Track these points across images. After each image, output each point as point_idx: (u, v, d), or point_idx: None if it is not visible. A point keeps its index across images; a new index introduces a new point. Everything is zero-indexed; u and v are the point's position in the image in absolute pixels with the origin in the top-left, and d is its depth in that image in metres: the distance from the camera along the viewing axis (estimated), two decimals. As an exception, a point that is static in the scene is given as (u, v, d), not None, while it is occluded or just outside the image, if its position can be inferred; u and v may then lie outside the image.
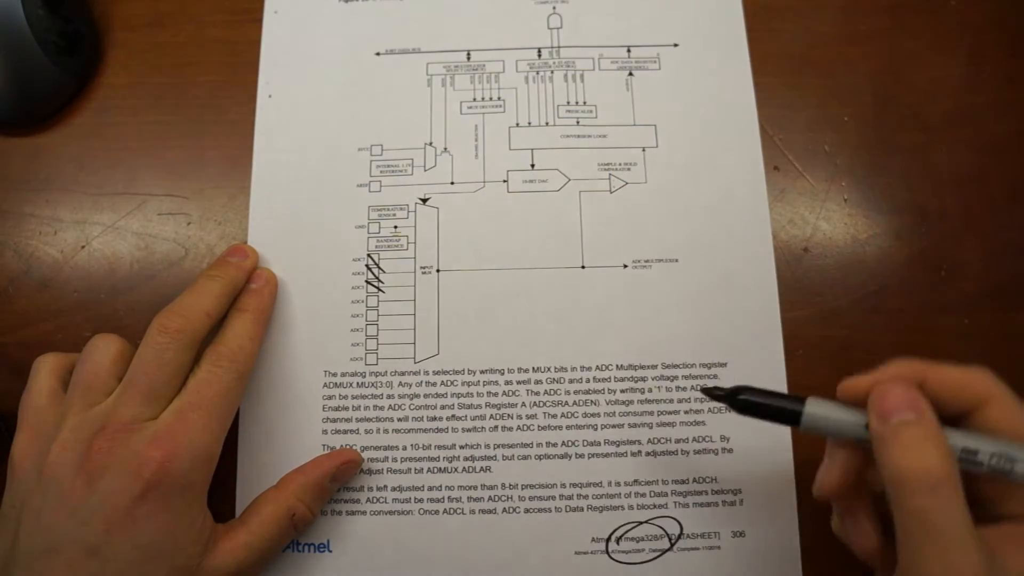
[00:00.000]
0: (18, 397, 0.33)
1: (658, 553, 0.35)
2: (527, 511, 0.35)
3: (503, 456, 0.36)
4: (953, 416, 0.27)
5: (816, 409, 0.28)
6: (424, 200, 0.39)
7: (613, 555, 0.35)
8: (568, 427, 0.36)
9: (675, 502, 0.35)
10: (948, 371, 0.27)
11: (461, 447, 0.36)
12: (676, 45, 0.41)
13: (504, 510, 0.35)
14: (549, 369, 0.37)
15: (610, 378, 0.36)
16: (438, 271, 0.38)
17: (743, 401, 0.30)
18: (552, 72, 0.40)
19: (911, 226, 0.39)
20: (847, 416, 0.28)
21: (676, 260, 0.37)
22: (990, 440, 0.26)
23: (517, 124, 0.40)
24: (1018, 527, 0.26)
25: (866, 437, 0.27)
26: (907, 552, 0.24)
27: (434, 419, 0.36)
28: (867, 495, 0.29)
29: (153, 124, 0.41)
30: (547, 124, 0.40)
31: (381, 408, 0.37)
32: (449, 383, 0.37)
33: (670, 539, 0.35)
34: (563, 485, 0.36)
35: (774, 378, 0.36)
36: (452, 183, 0.39)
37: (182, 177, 0.40)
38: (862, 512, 0.29)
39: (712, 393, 0.31)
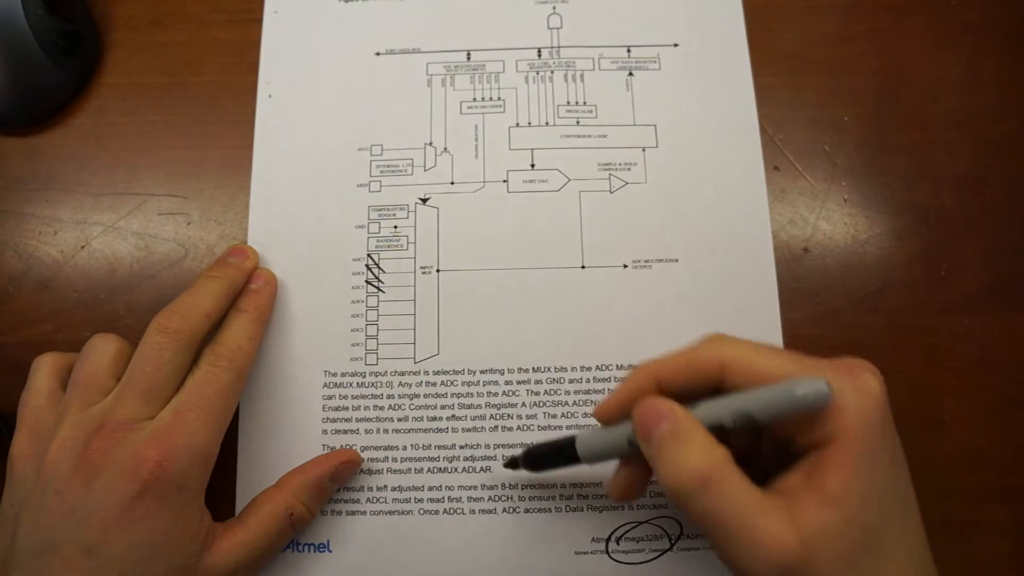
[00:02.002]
0: (17, 397, 0.33)
1: (658, 553, 0.35)
2: (527, 511, 0.35)
3: (503, 456, 0.36)
4: (710, 390, 0.27)
5: (585, 444, 0.30)
6: (424, 200, 0.39)
7: (613, 555, 0.35)
8: (568, 427, 0.36)
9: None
10: (675, 360, 0.28)
11: (461, 447, 0.36)
12: (676, 45, 0.41)
13: (504, 510, 0.35)
14: (549, 369, 0.36)
15: (610, 378, 0.36)
16: (438, 271, 0.38)
17: (530, 460, 0.33)
18: (552, 72, 0.40)
19: (911, 226, 0.39)
20: (612, 436, 0.29)
21: (676, 260, 0.37)
22: (748, 395, 0.26)
23: (517, 124, 0.40)
24: (808, 460, 0.26)
25: (630, 449, 0.28)
26: (717, 548, 0.25)
27: (434, 419, 0.36)
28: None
29: (153, 124, 0.41)
30: (547, 124, 0.40)
31: (381, 408, 0.36)
32: (449, 383, 0.37)
33: (670, 539, 0.35)
34: (563, 485, 0.36)
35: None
36: (452, 183, 0.39)
37: (182, 177, 0.40)
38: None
39: (511, 465, 0.34)
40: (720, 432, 0.26)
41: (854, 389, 0.26)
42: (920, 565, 0.26)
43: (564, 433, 0.34)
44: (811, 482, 0.25)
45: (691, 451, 0.25)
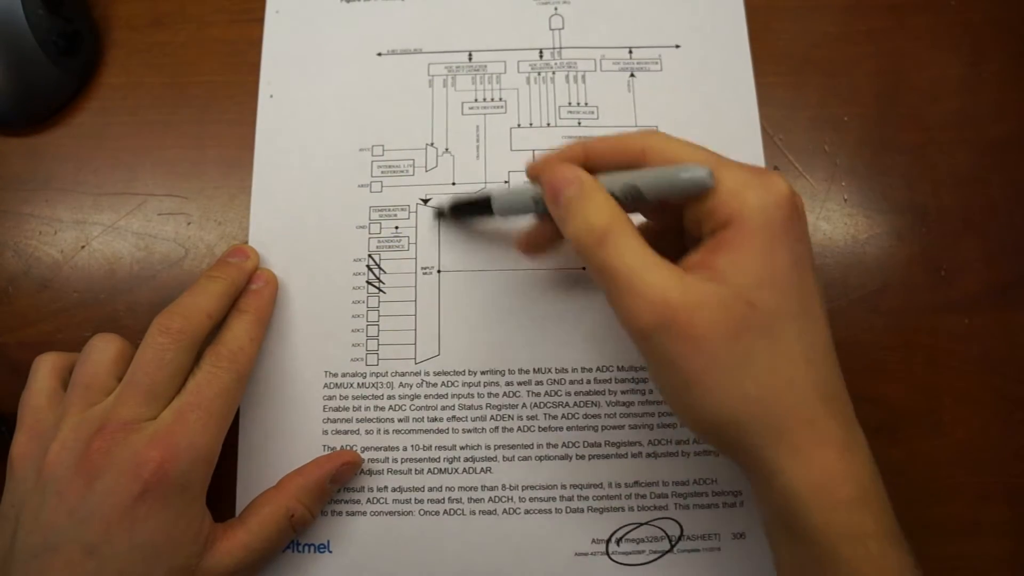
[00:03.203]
0: (18, 397, 0.33)
1: (658, 554, 0.35)
2: (527, 512, 0.35)
3: (504, 457, 0.36)
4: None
5: (498, 198, 0.34)
6: (425, 201, 0.39)
7: (613, 556, 0.35)
8: (569, 428, 0.36)
9: (675, 503, 0.35)
10: (608, 139, 0.30)
11: (461, 448, 0.36)
12: (678, 46, 0.41)
13: (504, 511, 0.35)
14: (550, 370, 0.36)
15: (611, 379, 0.36)
16: (439, 272, 0.38)
17: (450, 209, 0.37)
18: (554, 73, 0.40)
19: (911, 226, 0.39)
20: (522, 194, 0.32)
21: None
22: (642, 172, 0.29)
23: (519, 125, 0.40)
24: (706, 243, 0.27)
25: (536, 208, 0.32)
26: (609, 299, 0.28)
27: (435, 420, 0.36)
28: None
29: (153, 124, 0.41)
30: (548, 125, 0.39)
31: (381, 409, 0.36)
32: (450, 384, 0.37)
33: (670, 540, 0.35)
34: (563, 486, 0.36)
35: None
36: (453, 184, 0.39)
37: (182, 177, 0.40)
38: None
39: (438, 215, 0.38)
40: (631, 198, 0.29)
41: (761, 185, 0.27)
42: (818, 368, 0.27)
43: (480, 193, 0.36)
44: (705, 259, 0.27)
45: (592, 209, 0.28)
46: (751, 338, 0.26)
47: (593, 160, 0.30)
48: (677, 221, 0.30)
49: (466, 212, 0.37)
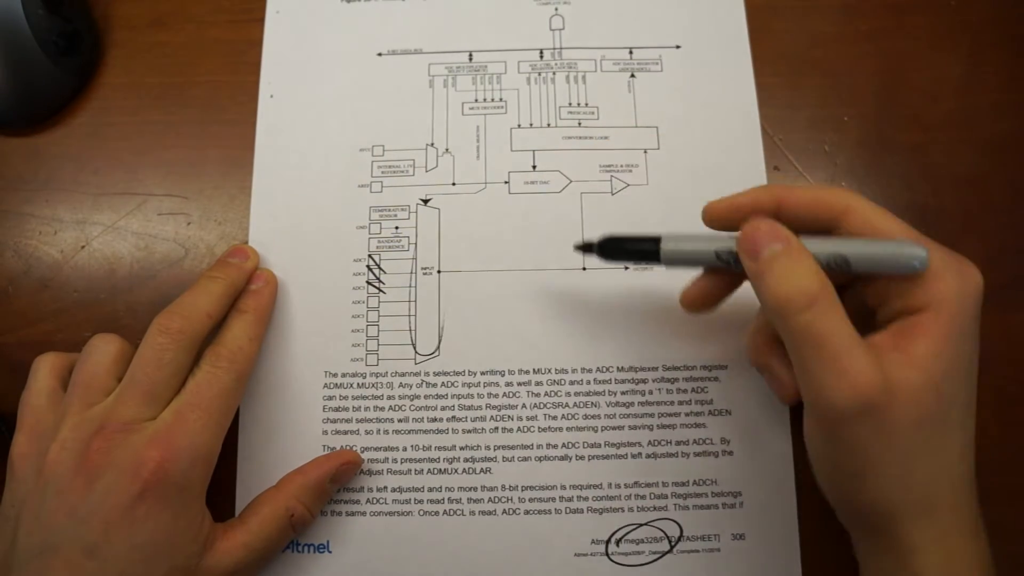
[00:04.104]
0: (18, 397, 0.33)
1: (658, 555, 0.35)
2: (527, 513, 0.35)
3: (503, 457, 0.36)
4: (815, 233, 0.28)
5: (671, 244, 0.30)
6: (425, 201, 0.39)
7: (613, 557, 0.35)
8: (568, 429, 0.36)
9: (675, 504, 0.35)
10: (805, 191, 0.29)
11: (461, 448, 0.36)
12: (678, 47, 0.41)
13: (504, 511, 0.35)
14: (550, 371, 0.37)
15: (611, 380, 0.36)
16: (439, 272, 0.38)
17: (607, 247, 0.32)
18: (554, 73, 0.40)
19: (911, 226, 0.39)
20: (701, 244, 0.30)
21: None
22: (851, 242, 0.27)
23: (519, 125, 0.40)
24: (899, 324, 0.27)
25: (716, 261, 0.29)
26: (802, 372, 0.26)
27: (434, 420, 0.36)
28: (775, 346, 0.32)
29: (153, 124, 0.41)
30: (549, 125, 0.39)
31: (381, 409, 0.36)
32: (450, 384, 0.37)
33: (670, 541, 0.35)
34: (563, 487, 0.36)
35: (775, 379, 0.36)
36: (453, 184, 0.39)
37: (182, 177, 0.40)
38: (774, 359, 0.32)
39: (583, 247, 0.33)
40: (837, 267, 0.27)
41: (958, 272, 0.27)
42: (967, 450, 0.27)
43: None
44: (899, 343, 0.26)
45: (802, 270, 0.26)
46: (930, 427, 0.26)
47: (786, 212, 0.29)
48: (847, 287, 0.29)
49: (622, 253, 0.32)
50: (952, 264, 0.27)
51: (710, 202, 0.30)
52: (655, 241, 0.30)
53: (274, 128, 0.40)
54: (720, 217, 0.30)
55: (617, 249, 0.32)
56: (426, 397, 0.36)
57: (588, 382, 0.36)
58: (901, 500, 0.26)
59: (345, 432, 0.36)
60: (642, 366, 0.36)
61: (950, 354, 0.26)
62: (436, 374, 0.37)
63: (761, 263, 0.27)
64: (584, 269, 0.37)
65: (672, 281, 0.37)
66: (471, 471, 0.36)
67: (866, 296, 0.29)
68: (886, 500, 0.26)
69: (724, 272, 0.30)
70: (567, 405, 0.36)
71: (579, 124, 0.39)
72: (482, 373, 0.37)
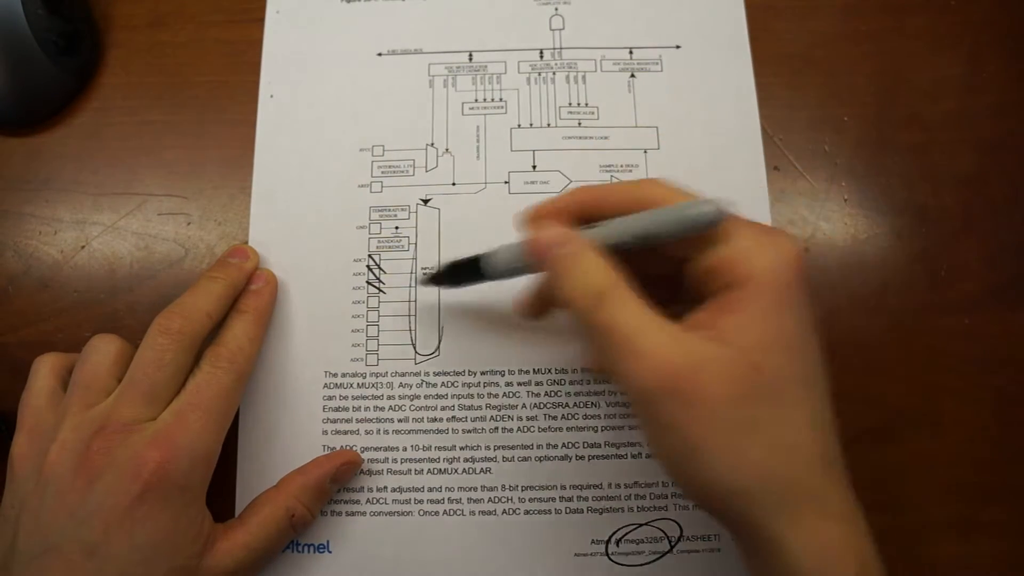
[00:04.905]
0: (18, 397, 0.33)
1: (658, 555, 0.35)
2: (527, 513, 0.35)
3: (503, 457, 0.36)
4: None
5: (489, 259, 0.32)
6: (425, 201, 0.39)
7: (613, 557, 0.35)
8: (569, 429, 0.36)
9: (675, 504, 0.35)
10: (614, 189, 0.29)
11: (461, 448, 0.36)
12: (678, 47, 0.41)
13: (504, 511, 0.35)
14: (550, 371, 0.37)
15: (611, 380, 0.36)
16: (439, 272, 0.38)
17: (444, 276, 0.35)
18: (554, 73, 0.40)
19: (911, 226, 0.39)
20: (512, 255, 0.31)
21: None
22: (644, 215, 0.27)
23: (519, 125, 0.40)
24: (714, 301, 0.26)
25: (528, 269, 0.30)
26: (608, 363, 0.26)
27: (434, 420, 0.36)
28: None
29: (153, 124, 0.41)
30: (549, 125, 0.39)
31: (381, 409, 0.36)
32: (449, 384, 0.37)
33: (670, 541, 0.35)
34: (563, 487, 0.36)
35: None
36: (453, 184, 0.39)
37: (182, 177, 0.40)
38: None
39: (432, 281, 0.36)
40: (623, 255, 0.27)
41: (771, 244, 0.26)
42: (822, 435, 0.26)
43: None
44: (708, 319, 0.26)
45: (585, 268, 0.27)
46: (756, 403, 0.25)
47: (590, 211, 0.29)
48: (676, 278, 0.29)
49: (458, 278, 0.34)
50: (762, 238, 0.26)
51: (529, 208, 0.30)
52: (476, 260, 0.32)
53: (274, 128, 0.40)
54: (541, 221, 0.30)
55: (452, 274, 0.34)
56: (426, 397, 0.36)
57: (588, 382, 0.36)
58: (740, 482, 0.25)
59: (345, 432, 0.36)
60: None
61: (766, 327, 0.25)
62: (436, 374, 0.37)
63: (549, 268, 0.28)
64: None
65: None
66: (471, 471, 0.36)
67: (691, 283, 0.28)
68: (723, 482, 0.25)
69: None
70: (567, 405, 0.36)
71: (579, 124, 0.39)
72: (482, 373, 0.37)
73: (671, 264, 0.28)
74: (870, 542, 0.25)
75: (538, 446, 0.36)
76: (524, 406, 0.36)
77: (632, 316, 0.25)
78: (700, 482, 0.25)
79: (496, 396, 0.36)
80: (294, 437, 0.36)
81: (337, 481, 0.35)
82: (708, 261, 0.27)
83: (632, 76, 0.40)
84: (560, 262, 0.27)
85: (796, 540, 0.24)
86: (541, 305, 0.33)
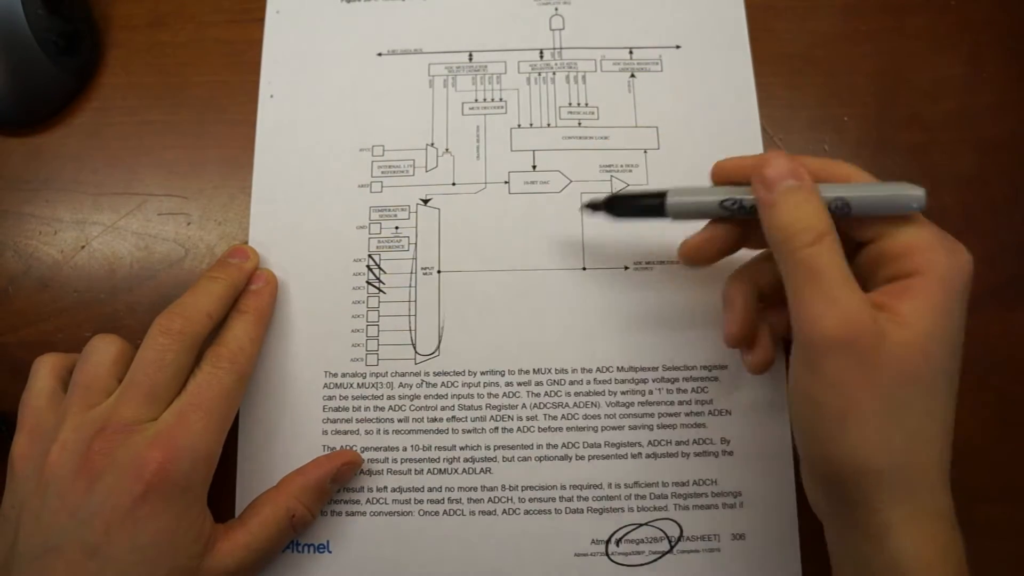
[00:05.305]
0: (18, 397, 0.33)
1: (658, 555, 0.35)
2: (527, 513, 0.35)
3: (503, 458, 0.36)
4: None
5: (676, 198, 0.31)
6: (425, 201, 0.39)
7: (613, 557, 0.35)
8: (568, 429, 0.36)
9: (675, 504, 0.35)
10: (814, 160, 0.30)
11: (461, 448, 0.36)
12: (678, 47, 0.41)
13: (504, 512, 0.35)
14: (550, 371, 0.37)
15: (611, 380, 0.36)
16: (439, 272, 0.38)
17: (615, 204, 0.33)
18: (554, 73, 0.40)
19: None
20: (707, 195, 0.31)
21: (677, 262, 0.37)
22: (852, 186, 0.29)
23: (519, 125, 0.40)
24: (889, 287, 0.28)
25: (721, 211, 0.31)
26: (797, 301, 0.27)
27: (434, 420, 0.36)
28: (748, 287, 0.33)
29: (153, 124, 0.41)
30: (549, 125, 0.39)
31: (381, 409, 0.37)
32: (450, 384, 0.37)
33: (670, 541, 0.35)
34: (563, 487, 0.36)
35: (774, 379, 0.36)
36: (453, 184, 0.39)
37: (182, 177, 0.40)
38: (739, 296, 0.33)
39: (591, 205, 0.34)
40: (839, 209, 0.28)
41: (952, 247, 0.28)
42: (950, 437, 0.27)
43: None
44: (888, 303, 0.27)
45: (812, 208, 0.28)
46: (916, 389, 0.26)
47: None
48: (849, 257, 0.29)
49: (629, 210, 0.33)
50: (945, 240, 0.28)
51: (719, 160, 0.32)
52: (661, 195, 0.32)
53: (274, 128, 0.40)
54: (727, 173, 0.32)
55: (624, 205, 0.33)
56: (426, 397, 0.37)
57: (588, 382, 0.36)
58: (879, 460, 0.26)
59: (345, 432, 0.36)
60: (642, 366, 0.37)
61: (937, 320, 0.26)
62: (436, 374, 0.37)
63: (776, 194, 0.28)
64: (584, 269, 0.37)
65: (672, 281, 0.37)
66: (471, 471, 0.36)
67: (864, 264, 0.29)
68: (864, 456, 0.26)
69: (727, 224, 0.31)
70: (567, 405, 0.36)
71: (579, 124, 0.39)
72: (482, 373, 0.37)
73: (847, 247, 0.29)
74: (963, 550, 0.26)
75: (538, 446, 0.36)
76: (524, 406, 0.36)
77: (839, 266, 0.27)
78: (842, 451, 0.26)
79: (496, 396, 0.36)
80: (294, 437, 0.36)
81: (337, 481, 0.35)
82: (894, 244, 0.28)
83: (632, 76, 0.40)
84: (790, 194, 0.28)
85: (907, 534, 0.26)
86: (714, 252, 0.33)
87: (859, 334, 0.26)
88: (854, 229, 0.29)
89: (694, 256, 0.33)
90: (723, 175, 0.32)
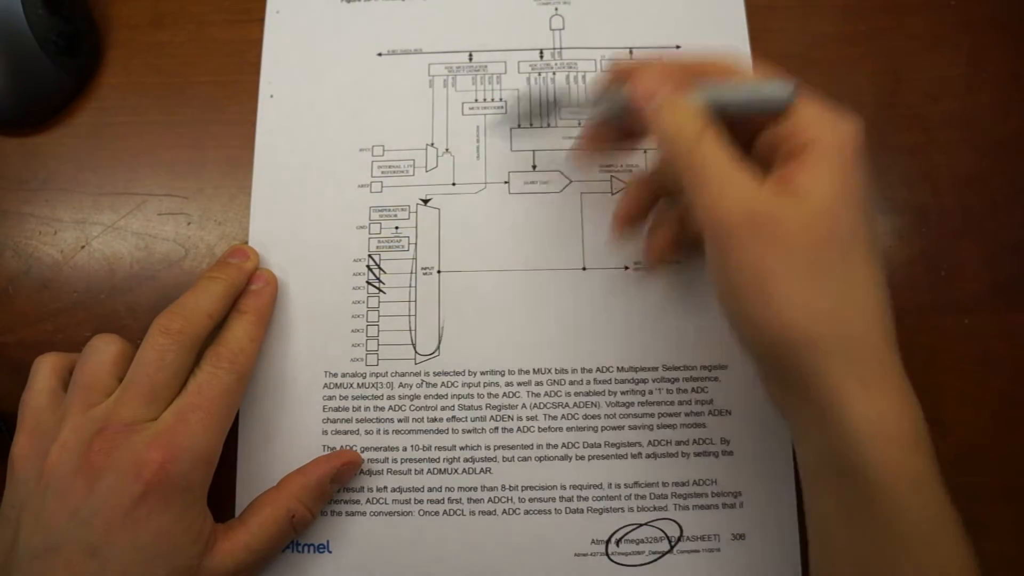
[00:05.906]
0: (18, 397, 0.33)
1: (658, 555, 0.35)
2: (527, 513, 0.35)
3: (503, 457, 0.36)
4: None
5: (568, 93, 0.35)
6: (425, 201, 0.39)
7: (613, 557, 0.35)
8: (568, 429, 0.36)
9: (675, 504, 0.35)
10: (692, 57, 0.31)
11: (461, 448, 0.36)
12: (678, 47, 0.41)
13: (504, 511, 0.35)
14: (550, 371, 0.37)
15: (611, 380, 0.36)
16: (439, 272, 0.38)
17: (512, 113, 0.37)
18: (554, 73, 0.40)
19: (911, 226, 0.39)
20: (604, 92, 0.33)
21: (677, 261, 0.37)
22: (725, 85, 0.30)
23: (519, 125, 0.40)
24: (783, 166, 0.28)
25: (609, 109, 0.33)
26: (695, 196, 0.28)
27: (434, 420, 0.36)
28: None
29: (153, 124, 0.41)
30: (549, 125, 0.39)
31: (381, 409, 0.37)
32: (449, 384, 0.37)
33: (670, 541, 0.35)
34: (563, 487, 0.36)
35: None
36: (453, 184, 0.39)
37: (182, 177, 0.40)
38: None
39: (497, 120, 0.38)
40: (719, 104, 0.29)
41: (838, 116, 0.28)
42: (883, 302, 0.27)
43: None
44: (783, 177, 0.27)
45: (687, 112, 0.29)
46: (830, 255, 0.26)
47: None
48: (745, 147, 0.30)
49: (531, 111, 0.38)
50: (830, 110, 0.28)
51: (618, 62, 0.34)
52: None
53: (274, 128, 0.40)
54: (624, 76, 0.32)
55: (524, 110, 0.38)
56: (426, 397, 0.37)
57: (588, 382, 0.36)
58: (807, 323, 0.26)
59: (345, 432, 0.36)
60: (642, 366, 0.37)
61: (835, 184, 0.27)
62: (436, 374, 0.37)
63: (650, 112, 0.30)
64: (584, 269, 0.37)
65: (672, 281, 0.37)
66: (471, 471, 0.36)
67: (761, 150, 0.30)
68: (789, 317, 0.26)
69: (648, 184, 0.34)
70: (567, 405, 0.36)
71: (579, 124, 0.39)
72: (482, 373, 0.37)
73: (744, 137, 0.30)
74: (920, 410, 0.26)
75: (538, 446, 0.36)
76: (524, 406, 0.36)
77: (725, 158, 0.27)
78: (766, 324, 0.26)
79: (496, 396, 0.36)
80: (294, 437, 0.36)
81: (337, 481, 0.35)
82: (780, 129, 0.28)
83: (632, 76, 0.40)
84: (666, 106, 0.29)
85: (856, 398, 0.25)
86: (640, 207, 0.35)
87: (755, 212, 0.26)
88: (742, 121, 0.30)
89: (626, 222, 0.35)
90: (616, 75, 0.33)
